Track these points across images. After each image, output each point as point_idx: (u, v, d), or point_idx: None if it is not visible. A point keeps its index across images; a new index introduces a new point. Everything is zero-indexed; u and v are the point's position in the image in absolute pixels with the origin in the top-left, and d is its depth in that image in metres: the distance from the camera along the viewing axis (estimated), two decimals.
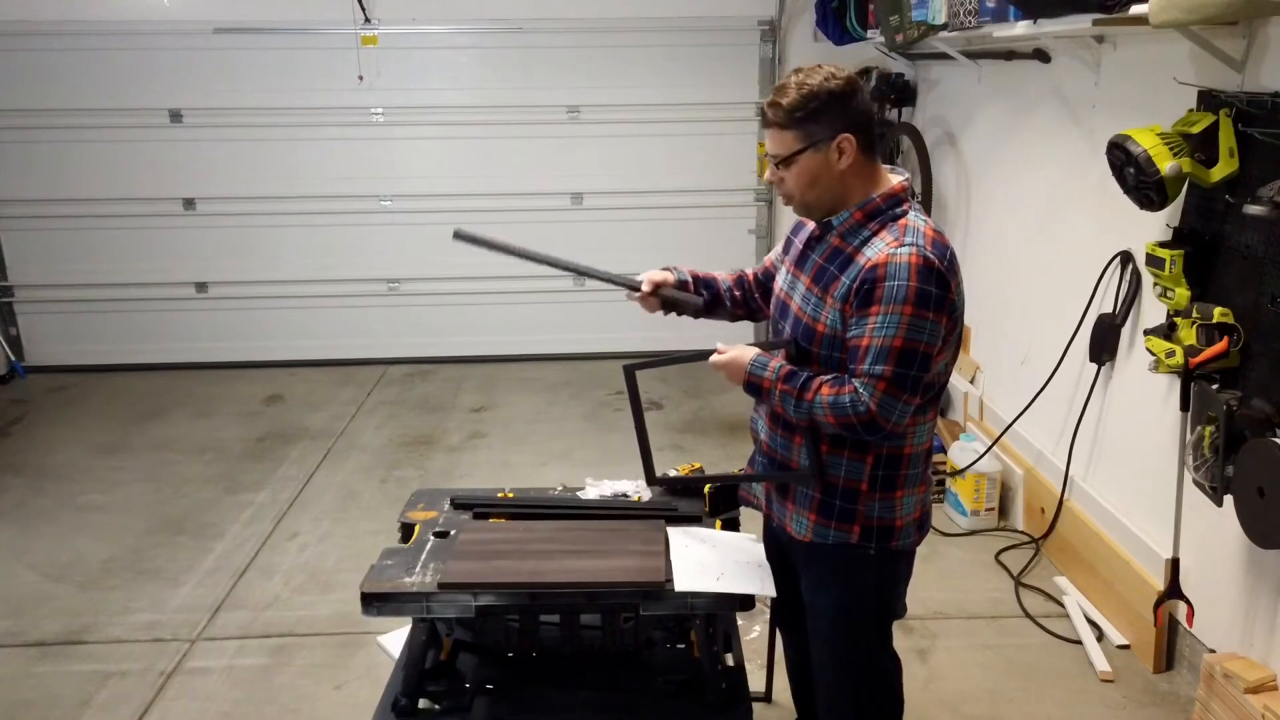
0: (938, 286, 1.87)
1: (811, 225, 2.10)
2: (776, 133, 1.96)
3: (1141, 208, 2.80)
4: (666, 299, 2.27)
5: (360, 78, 5.87)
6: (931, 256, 1.87)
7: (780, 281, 2.18)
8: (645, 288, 2.25)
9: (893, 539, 2.06)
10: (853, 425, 1.90)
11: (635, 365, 2.19)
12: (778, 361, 2.02)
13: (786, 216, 5.45)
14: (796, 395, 1.95)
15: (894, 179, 2.02)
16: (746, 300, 2.36)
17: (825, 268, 2.00)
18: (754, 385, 2.03)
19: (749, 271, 2.38)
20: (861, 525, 2.04)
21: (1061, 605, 3.50)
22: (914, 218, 1.95)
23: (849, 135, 1.91)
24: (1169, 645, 3.13)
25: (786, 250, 2.21)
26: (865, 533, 2.05)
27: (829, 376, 1.95)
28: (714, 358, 2.08)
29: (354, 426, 5.31)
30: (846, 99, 1.91)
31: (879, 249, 1.90)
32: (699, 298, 2.30)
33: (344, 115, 5.96)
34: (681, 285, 2.29)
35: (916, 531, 2.11)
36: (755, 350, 2.05)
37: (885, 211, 1.96)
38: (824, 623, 2.17)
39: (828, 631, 2.17)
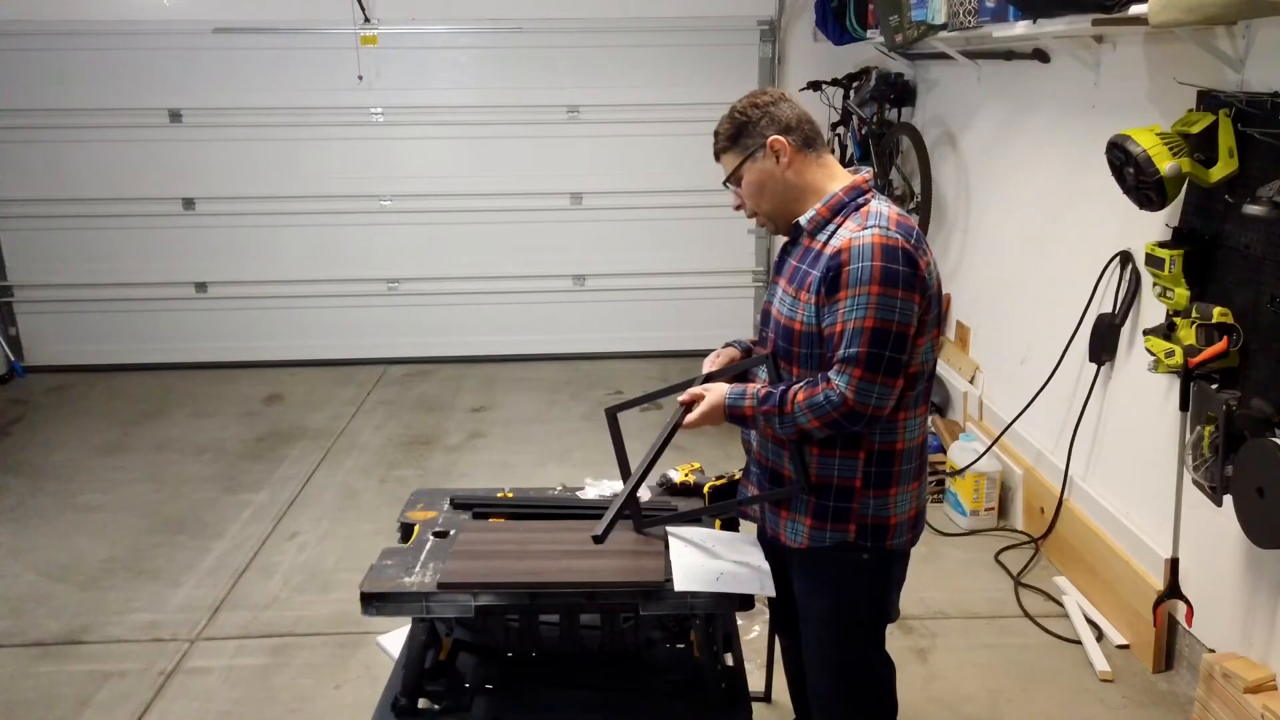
0: (905, 264, 1.88)
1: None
2: (722, 160, 2.10)
3: (1141, 208, 2.80)
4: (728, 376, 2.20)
5: (360, 78, 5.87)
6: (896, 235, 1.90)
7: (765, 296, 2.21)
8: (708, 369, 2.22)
9: (887, 537, 2.06)
10: (835, 421, 1.91)
11: (616, 407, 2.29)
12: (753, 387, 2.03)
13: None
14: (778, 412, 1.97)
15: (855, 176, 2.06)
16: None
17: (799, 268, 2.03)
18: (737, 418, 2.05)
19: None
20: (857, 523, 2.05)
21: (1061, 605, 3.50)
22: (877, 203, 1.99)
23: (778, 137, 2.01)
24: (1168, 645, 3.13)
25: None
26: (861, 531, 2.05)
27: (801, 383, 1.96)
28: (688, 419, 2.08)
29: (353, 426, 5.32)
30: (769, 108, 2.04)
31: (843, 236, 1.94)
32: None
33: (344, 115, 5.97)
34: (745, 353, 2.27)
35: (910, 530, 2.11)
36: (725, 387, 2.06)
37: (849, 203, 2.01)
38: (817, 627, 2.17)
39: (821, 635, 2.18)
